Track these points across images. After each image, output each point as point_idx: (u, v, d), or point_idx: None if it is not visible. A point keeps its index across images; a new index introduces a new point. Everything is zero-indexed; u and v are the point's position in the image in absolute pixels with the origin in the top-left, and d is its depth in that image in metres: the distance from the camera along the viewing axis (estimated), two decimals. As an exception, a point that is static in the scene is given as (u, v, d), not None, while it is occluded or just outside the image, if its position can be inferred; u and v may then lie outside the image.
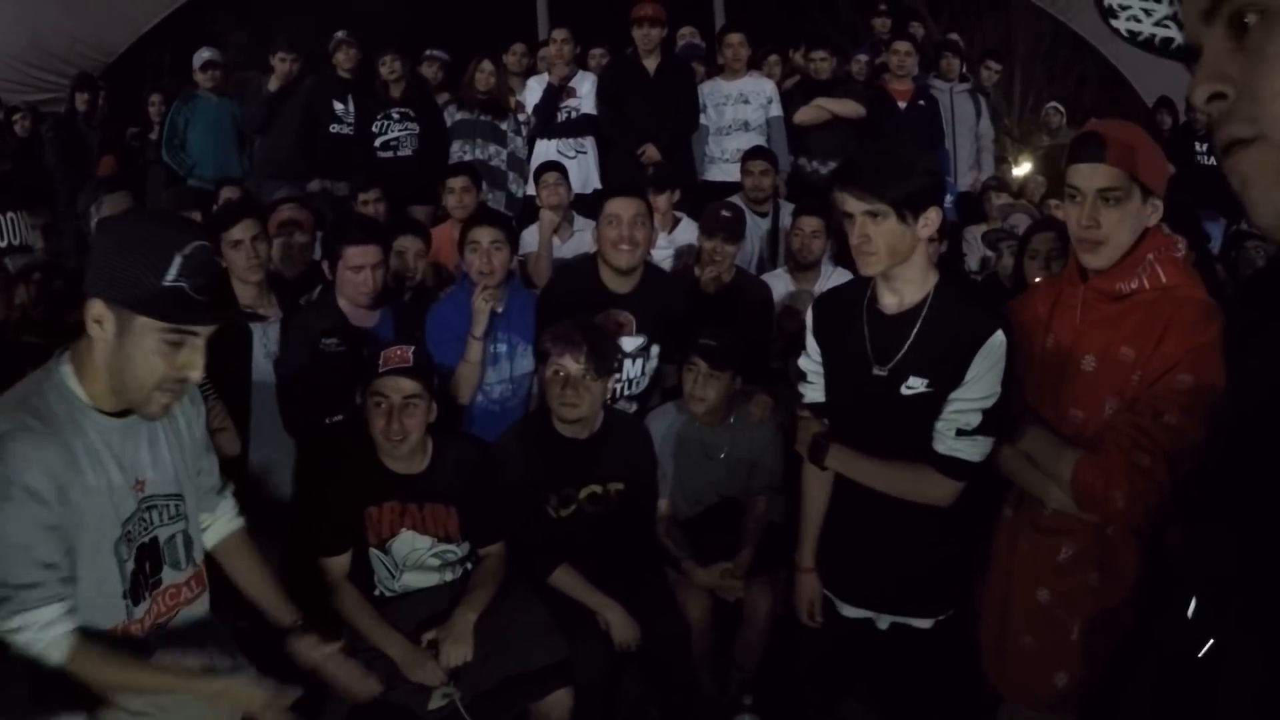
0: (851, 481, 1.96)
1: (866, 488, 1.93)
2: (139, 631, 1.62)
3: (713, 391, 2.75)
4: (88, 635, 1.51)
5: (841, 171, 1.82)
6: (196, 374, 1.53)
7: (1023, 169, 7.09)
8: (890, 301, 1.87)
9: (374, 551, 2.41)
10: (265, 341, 2.96)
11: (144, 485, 1.61)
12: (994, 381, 1.77)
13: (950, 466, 1.83)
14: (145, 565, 1.62)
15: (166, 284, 1.45)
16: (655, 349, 3.01)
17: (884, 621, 2.02)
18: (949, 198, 5.03)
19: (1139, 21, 0.85)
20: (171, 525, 1.67)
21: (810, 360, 2.03)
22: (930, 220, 1.78)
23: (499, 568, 2.48)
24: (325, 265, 3.01)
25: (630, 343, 2.97)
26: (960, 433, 1.80)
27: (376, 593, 2.43)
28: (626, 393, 3.03)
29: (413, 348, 2.37)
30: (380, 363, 2.32)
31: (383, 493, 2.39)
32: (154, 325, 1.47)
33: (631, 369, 3.01)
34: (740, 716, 2.43)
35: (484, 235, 3.00)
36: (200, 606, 1.77)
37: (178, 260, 1.46)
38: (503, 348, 3.03)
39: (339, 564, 2.38)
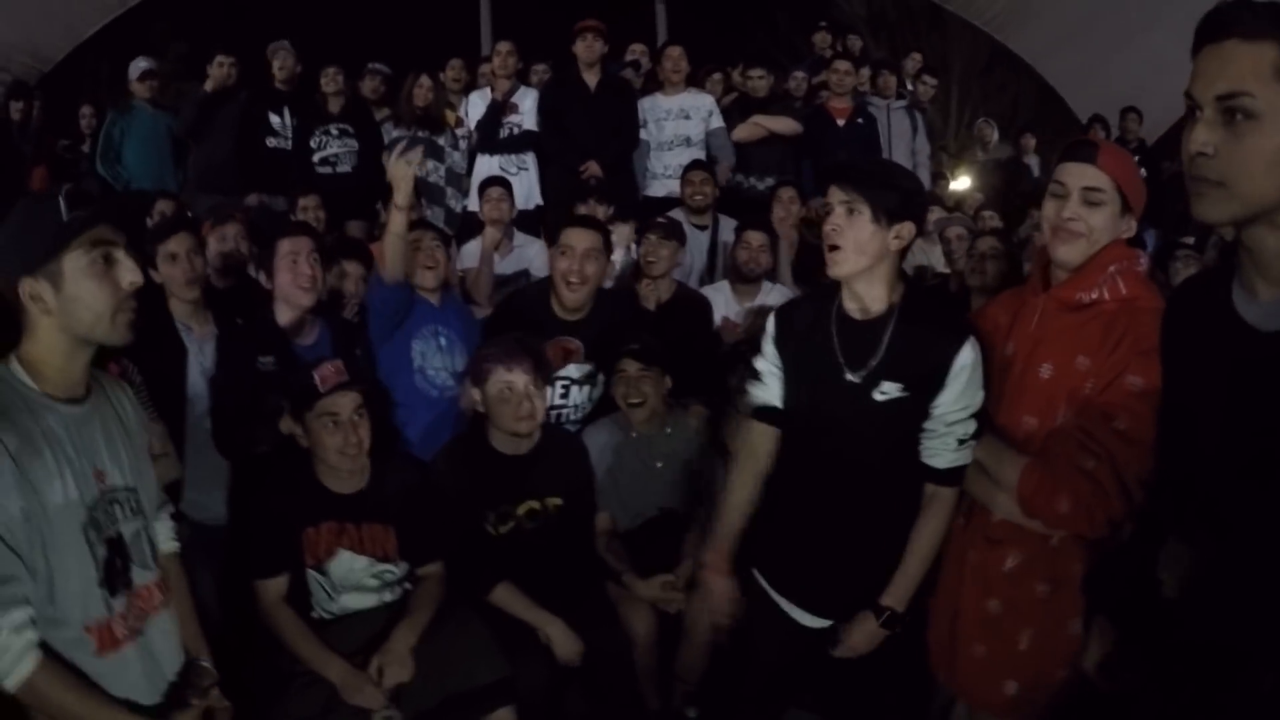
0: (814, 488, 1.97)
1: (830, 495, 1.94)
2: (121, 633, 1.58)
3: (648, 387, 2.78)
4: (51, 655, 1.46)
5: (832, 168, 1.90)
6: (137, 278, 1.56)
7: (960, 183, 7.27)
8: (855, 309, 1.91)
9: (311, 573, 2.37)
10: (201, 359, 2.90)
11: (104, 476, 1.58)
12: (978, 387, 1.83)
13: (953, 476, 1.88)
14: (116, 559, 1.59)
15: (66, 219, 1.50)
16: (602, 377, 3.01)
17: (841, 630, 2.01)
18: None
19: None
20: (134, 520, 1.64)
21: (767, 363, 2.04)
22: (903, 234, 1.83)
23: (437, 587, 2.46)
24: (262, 276, 2.95)
25: (577, 370, 2.97)
26: (961, 442, 1.84)
27: (315, 615, 2.39)
28: (573, 419, 3.04)
29: (340, 360, 2.35)
30: (318, 384, 2.29)
31: (320, 513, 2.36)
32: (80, 255, 1.50)
33: (578, 395, 3.02)
34: (684, 729, 2.43)
35: (426, 236, 3.06)
36: (169, 618, 1.73)
37: (62, 202, 1.50)
38: (444, 341, 3.04)
39: (276, 586, 2.34)
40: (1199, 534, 1.26)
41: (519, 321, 2.91)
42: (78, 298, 1.51)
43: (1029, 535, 1.81)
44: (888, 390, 1.85)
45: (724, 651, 2.64)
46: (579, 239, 2.87)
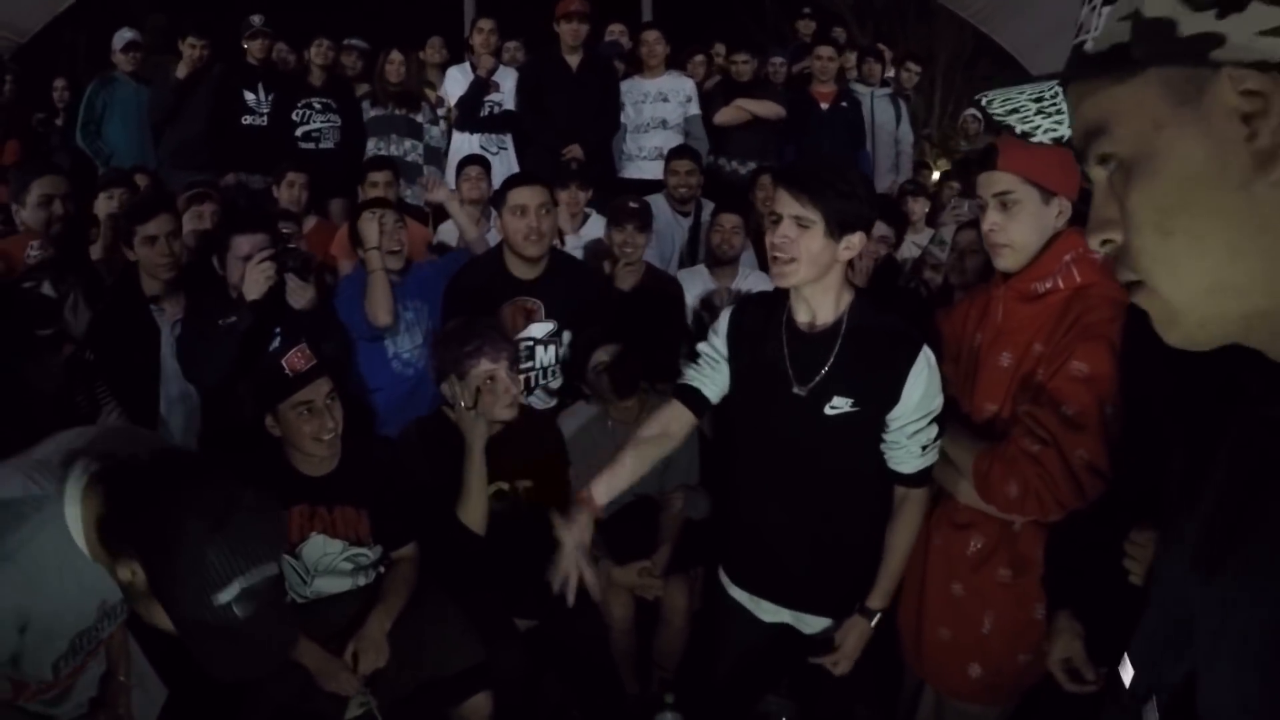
0: (770, 494, 1.94)
1: (785, 500, 1.91)
2: (50, 693, 1.54)
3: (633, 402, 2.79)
4: None
5: (785, 171, 1.83)
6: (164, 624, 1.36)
7: (938, 174, 7.27)
8: (805, 320, 1.87)
9: (284, 557, 2.33)
10: (173, 339, 2.86)
11: (105, 603, 1.50)
12: (936, 392, 1.81)
13: (922, 477, 1.87)
14: (79, 652, 1.53)
15: (217, 604, 1.25)
16: (566, 335, 3.01)
17: (808, 625, 2.01)
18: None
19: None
20: (117, 620, 1.58)
21: (711, 352, 1.99)
22: (853, 244, 1.79)
23: (412, 571, 2.43)
24: (215, 260, 2.91)
25: (539, 329, 2.96)
26: (924, 448, 1.83)
27: (288, 599, 2.34)
28: (541, 382, 3.02)
29: (304, 344, 2.31)
30: (287, 372, 2.24)
31: (291, 496, 2.31)
32: None
33: (544, 355, 3.01)
34: (662, 715, 2.42)
35: (388, 218, 3.08)
36: (98, 666, 1.69)
37: (236, 587, 1.25)
38: (410, 314, 3.06)
39: (248, 570, 2.31)
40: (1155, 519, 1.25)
41: (474, 293, 2.91)
42: (150, 611, 1.32)
43: (992, 520, 1.84)
44: (839, 405, 1.81)
45: (702, 637, 2.64)
46: (530, 196, 2.88)
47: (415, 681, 2.28)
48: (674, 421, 2.01)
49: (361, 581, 2.40)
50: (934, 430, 1.83)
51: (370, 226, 2.98)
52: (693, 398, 2.00)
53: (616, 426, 2.83)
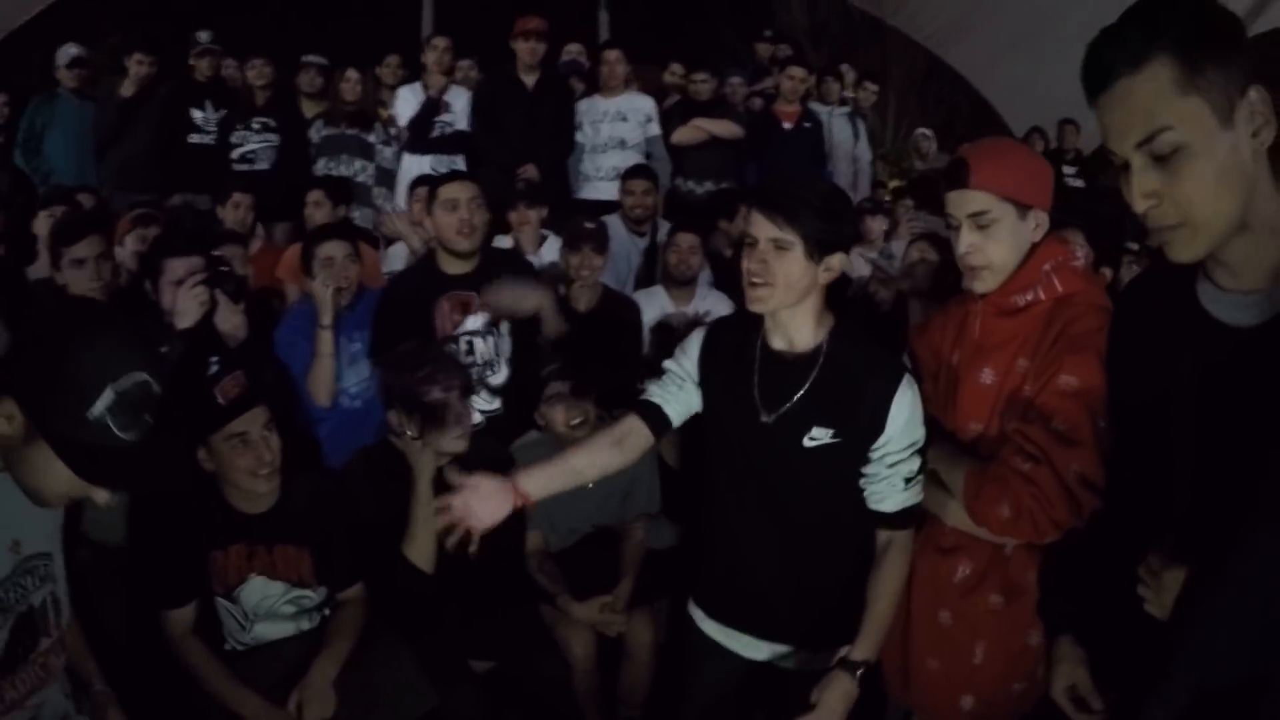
0: (745, 526, 1.84)
1: (762, 533, 1.81)
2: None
3: (588, 404, 2.69)
4: None
5: (758, 191, 1.74)
6: (102, 497, 1.42)
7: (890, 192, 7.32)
8: (781, 346, 1.77)
9: (221, 601, 2.19)
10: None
11: (20, 545, 1.43)
12: (919, 423, 1.72)
13: (906, 518, 1.76)
14: (24, 638, 1.45)
15: (91, 418, 1.32)
16: (505, 324, 2.96)
17: (789, 661, 1.88)
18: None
19: None
20: (42, 588, 1.50)
21: (680, 370, 1.88)
22: (833, 266, 1.70)
23: (359, 613, 2.30)
24: (147, 285, 2.77)
25: (475, 321, 2.92)
26: (908, 481, 1.73)
27: (227, 647, 2.21)
28: (485, 377, 2.94)
29: (238, 372, 2.18)
30: (220, 400, 2.12)
31: (228, 535, 2.18)
32: None
33: (484, 348, 2.94)
34: (629, 756, 2.32)
35: (338, 250, 3.04)
36: (58, 681, 1.61)
37: (109, 394, 1.32)
38: (357, 346, 3.00)
39: (182, 616, 2.16)
40: (1175, 543, 1.19)
41: (408, 295, 2.93)
42: (35, 468, 1.37)
43: (981, 544, 1.75)
44: (818, 436, 1.72)
45: (668, 673, 2.54)
46: (461, 190, 2.89)
47: (364, 731, 2.15)
48: (630, 435, 1.87)
49: (305, 625, 2.26)
50: (917, 462, 1.74)
51: (327, 300, 2.91)
52: (653, 415, 1.87)
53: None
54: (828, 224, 1.66)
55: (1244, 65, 1.07)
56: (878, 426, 1.70)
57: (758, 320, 1.80)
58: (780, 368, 1.76)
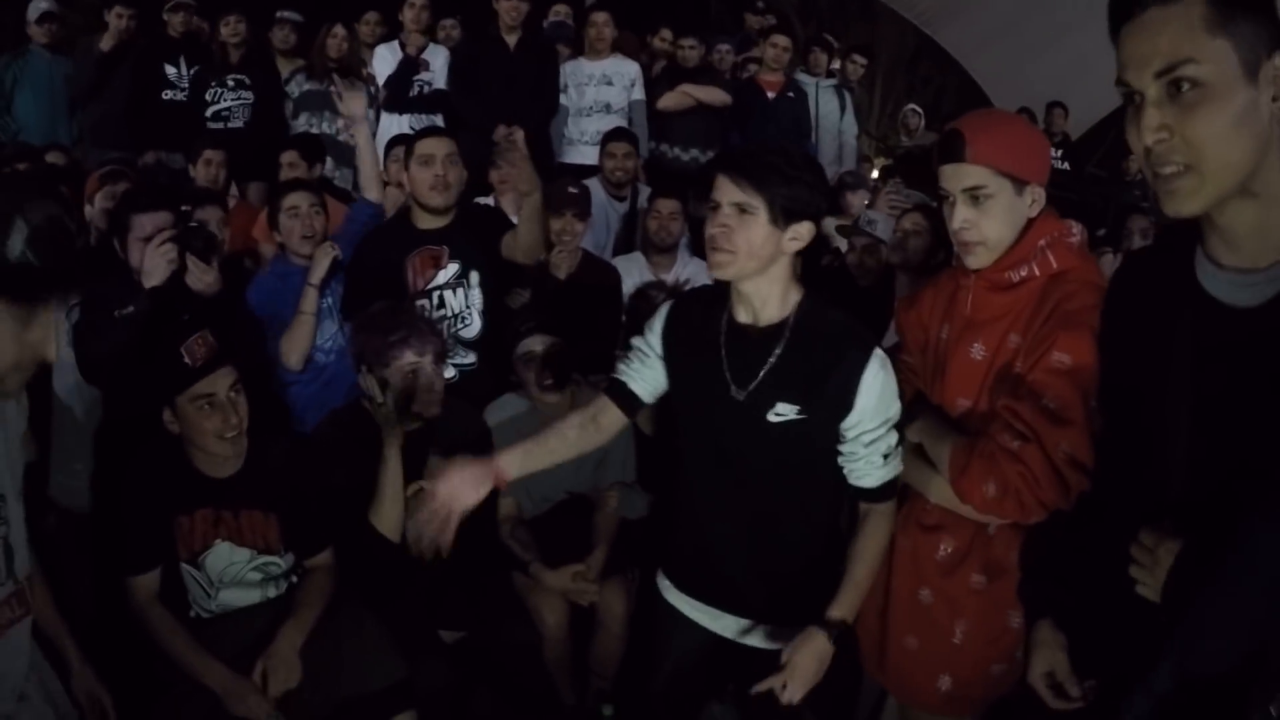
0: (714, 502, 1.82)
1: (735, 495, 1.79)
2: None
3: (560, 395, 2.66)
4: None
5: (724, 157, 1.69)
6: (51, 353, 1.43)
7: (878, 169, 7.30)
8: (746, 319, 1.74)
9: (186, 567, 2.15)
10: (68, 329, 2.63)
11: None
12: (892, 397, 1.69)
13: (888, 490, 1.74)
14: None
15: (11, 258, 1.32)
16: (475, 275, 2.94)
17: (753, 636, 1.87)
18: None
19: None
20: None
21: (645, 347, 1.86)
22: (800, 234, 1.65)
23: (327, 581, 2.26)
24: (116, 243, 2.70)
25: (445, 274, 2.90)
26: (886, 457, 1.70)
27: (192, 614, 2.17)
28: (456, 330, 2.91)
29: (206, 329, 2.12)
30: (187, 361, 2.06)
31: (193, 500, 2.14)
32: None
33: (454, 301, 2.92)
34: (601, 726, 2.31)
35: (302, 200, 3.03)
36: (22, 634, 1.57)
37: (22, 228, 1.33)
38: (329, 299, 2.99)
39: (146, 583, 2.13)
40: (1169, 523, 1.16)
41: (380, 252, 2.91)
42: None
43: (964, 522, 1.73)
44: (783, 412, 1.68)
45: (641, 643, 2.52)
46: (436, 146, 2.88)
47: (332, 702, 2.12)
48: (603, 414, 1.89)
49: (271, 593, 2.22)
50: (894, 437, 1.71)
51: (323, 260, 2.93)
52: (623, 395, 1.88)
53: (545, 420, 2.68)
54: (794, 190, 1.62)
55: (1275, 29, 1.05)
56: (847, 403, 1.66)
57: (724, 292, 1.76)
58: (746, 342, 1.73)
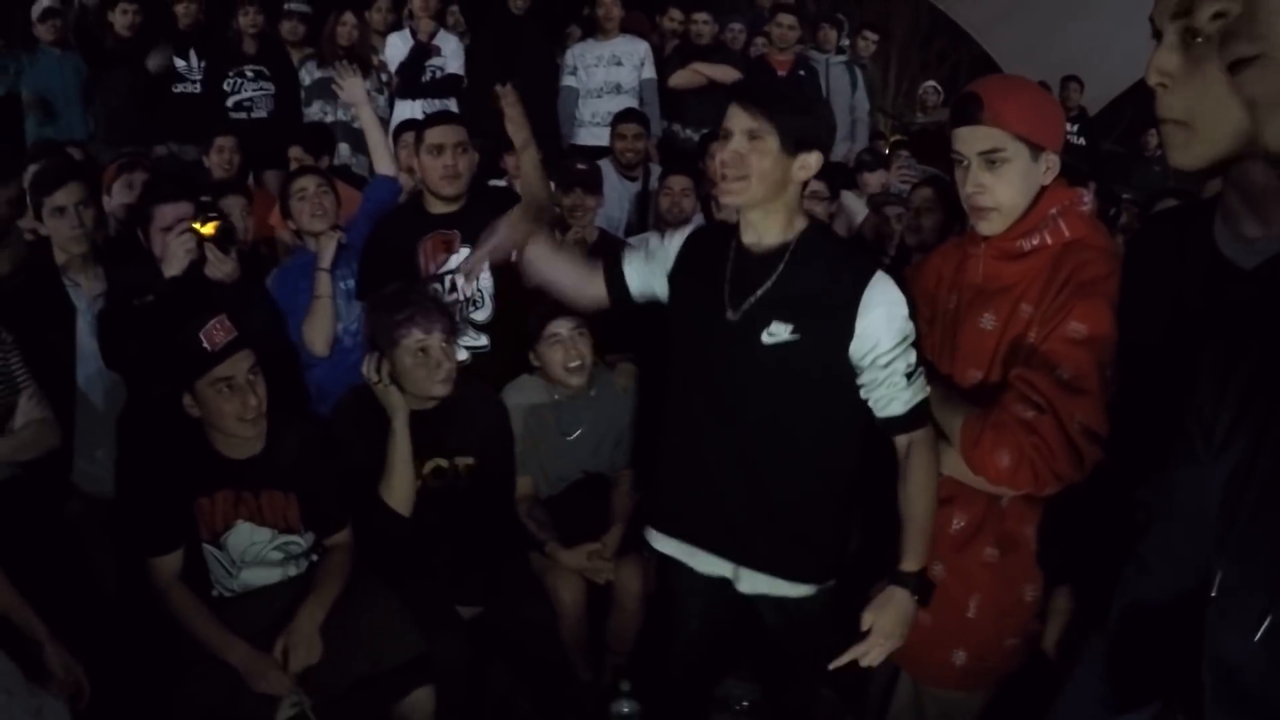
0: (711, 416, 1.79)
1: (727, 424, 1.77)
2: None
3: (584, 346, 2.65)
4: None
5: (737, 86, 1.70)
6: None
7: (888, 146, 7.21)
8: (751, 241, 1.75)
9: (208, 547, 2.19)
10: (90, 316, 2.69)
11: None
12: (902, 315, 1.66)
13: (919, 416, 1.67)
14: None
15: None
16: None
17: (747, 582, 1.85)
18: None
19: None
20: None
21: (659, 248, 1.88)
22: (809, 164, 1.66)
23: (346, 559, 2.29)
24: (139, 233, 2.75)
25: (457, 258, 2.89)
26: (909, 377, 1.66)
27: (215, 593, 2.21)
28: (468, 314, 2.92)
29: (223, 315, 2.15)
30: (205, 346, 2.08)
31: (214, 481, 2.17)
32: None
33: (465, 285, 2.93)
34: (618, 704, 2.32)
35: (310, 182, 3.05)
36: None
37: None
38: (345, 285, 3.00)
39: (169, 563, 2.16)
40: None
41: (394, 237, 2.92)
42: None
43: (976, 495, 1.70)
44: (776, 332, 1.67)
45: (657, 621, 2.54)
46: (446, 135, 2.85)
47: (351, 678, 2.15)
48: (592, 276, 1.95)
49: (292, 572, 2.26)
50: (913, 355, 1.67)
51: (329, 244, 2.95)
52: (614, 274, 1.92)
53: (564, 401, 2.70)
54: (805, 120, 1.64)
55: None
56: (848, 325, 1.65)
57: (736, 225, 1.78)
58: (748, 264, 1.73)
